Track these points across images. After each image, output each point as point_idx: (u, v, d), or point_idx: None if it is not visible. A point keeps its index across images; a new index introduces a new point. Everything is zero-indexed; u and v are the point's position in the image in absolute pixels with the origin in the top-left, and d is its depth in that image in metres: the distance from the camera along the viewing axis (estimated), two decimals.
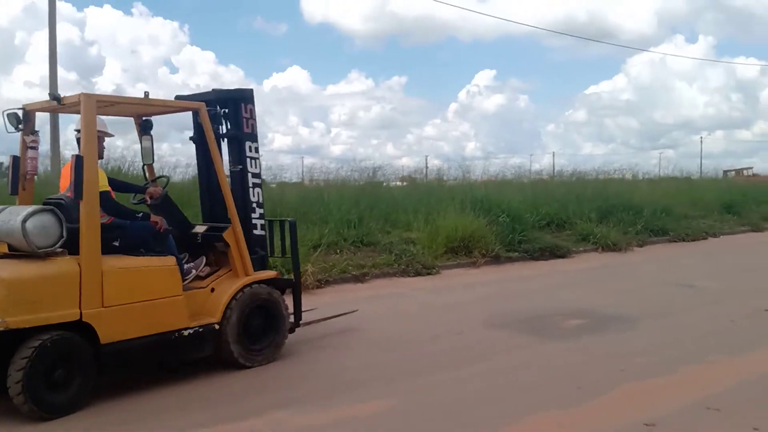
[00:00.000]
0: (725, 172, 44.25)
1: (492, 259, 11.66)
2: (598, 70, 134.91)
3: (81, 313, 4.45)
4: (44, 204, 4.78)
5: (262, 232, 6.02)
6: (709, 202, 18.51)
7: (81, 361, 4.47)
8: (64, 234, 4.51)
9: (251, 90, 5.97)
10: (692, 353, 5.81)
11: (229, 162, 6.00)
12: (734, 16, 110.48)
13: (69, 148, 11.90)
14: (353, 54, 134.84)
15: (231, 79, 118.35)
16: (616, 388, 4.92)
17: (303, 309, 6.17)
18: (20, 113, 5.14)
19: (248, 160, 5.88)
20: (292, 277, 6.25)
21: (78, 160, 4.52)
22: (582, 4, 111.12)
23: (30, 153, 5.21)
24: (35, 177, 5.44)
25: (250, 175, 5.88)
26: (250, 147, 5.90)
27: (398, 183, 19.71)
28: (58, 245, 4.50)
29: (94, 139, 4.70)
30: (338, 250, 10.75)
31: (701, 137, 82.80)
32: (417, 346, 6.26)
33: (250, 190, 5.88)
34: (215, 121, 5.77)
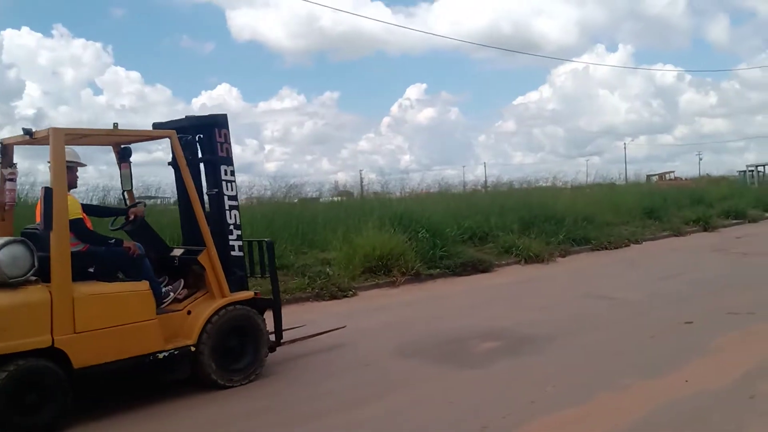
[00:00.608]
0: (648, 176, 45.67)
1: (412, 277, 11.20)
2: (524, 81, 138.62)
3: (53, 339, 4.59)
4: (21, 234, 5.07)
5: (240, 253, 6.09)
6: (632, 207, 18.69)
7: (53, 387, 4.59)
8: (36, 263, 4.68)
9: (225, 115, 6.10)
10: (606, 376, 5.45)
11: (206, 185, 6.11)
12: (651, 25, 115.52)
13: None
14: (283, 71, 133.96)
15: (158, 98, 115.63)
16: (524, 425, 4.48)
17: (290, 327, 6.43)
18: None
19: (224, 183, 5.99)
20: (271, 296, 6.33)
21: (47, 192, 4.75)
22: (505, 16, 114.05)
23: (8, 185, 5.40)
24: (13, 208, 5.59)
25: (226, 197, 5.99)
26: (225, 170, 6.00)
27: (336, 198, 19.27)
28: (29, 274, 4.66)
29: (62, 171, 4.87)
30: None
31: (624, 143, 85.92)
32: (314, 385, 5.67)
33: (227, 212, 5.98)
34: (190, 147, 5.94)
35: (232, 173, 6.06)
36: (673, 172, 45.43)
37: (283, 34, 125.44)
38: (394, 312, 8.87)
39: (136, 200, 6.28)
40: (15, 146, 5.53)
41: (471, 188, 24.20)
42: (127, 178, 6.11)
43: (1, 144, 5.46)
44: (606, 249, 14.74)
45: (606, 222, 16.75)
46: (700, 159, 68.00)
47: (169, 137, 5.62)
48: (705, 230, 18.23)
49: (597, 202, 18.67)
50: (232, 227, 5.99)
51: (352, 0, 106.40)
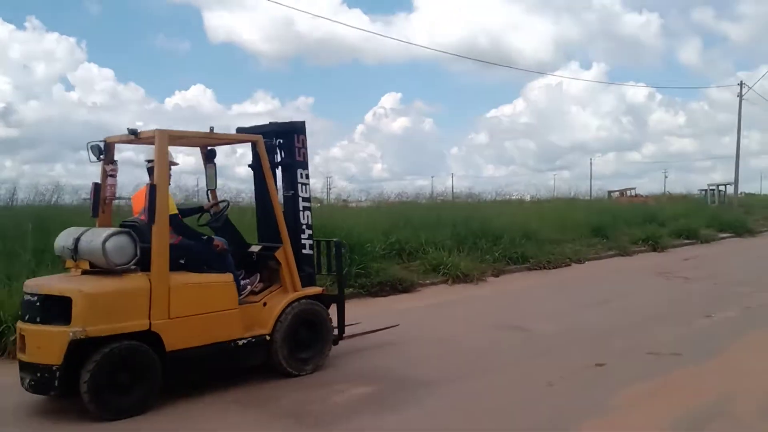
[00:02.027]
0: (610, 192, 45.41)
1: None
2: (498, 94, 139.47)
3: (150, 323, 4.96)
4: (120, 226, 5.44)
5: (310, 252, 6.49)
6: (579, 225, 17.71)
7: (147, 368, 4.94)
8: (138, 253, 5.03)
9: (303, 122, 6.49)
10: None
11: (283, 188, 6.47)
12: (624, 45, 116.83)
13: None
14: (259, 73, 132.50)
15: (131, 96, 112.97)
16: None
17: (346, 323, 6.69)
18: (101, 145, 5.71)
19: (299, 185, 6.39)
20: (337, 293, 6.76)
21: (152, 189, 5.08)
22: (482, 30, 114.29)
23: (109, 180, 5.77)
24: (113, 202, 6.01)
25: (300, 199, 6.39)
26: (301, 174, 6.41)
27: None
28: (132, 263, 5.02)
29: (165, 170, 5.28)
30: None
31: (591, 159, 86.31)
32: None
33: (300, 213, 6.37)
34: (271, 151, 6.26)
35: (307, 177, 6.47)
36: (634, 188, 44.99)
37: (260, 36, 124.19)
38: None
39: (220, 200, 6.62)
40: (117, 144, 5.88)
41: (440, 199, 23.43)
42: (212, 177, 6.44)
43: (104, 142, 5.77)
44: (544, 269, 13.69)
45: (549, 239, 15.73)
46: (666, 177, 68.50)
47: (256, 142, 6.02)
48: (654, 250, 17.34)
49: (544, 218, 17.70)
50: (304, 227, 6.39)
51: (330, 6, 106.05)
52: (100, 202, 5.82)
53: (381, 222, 13.52)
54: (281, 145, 6.44)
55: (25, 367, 4.93)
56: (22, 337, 4.95)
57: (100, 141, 5.77)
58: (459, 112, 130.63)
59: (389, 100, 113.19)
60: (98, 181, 5.83)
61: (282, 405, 5.27)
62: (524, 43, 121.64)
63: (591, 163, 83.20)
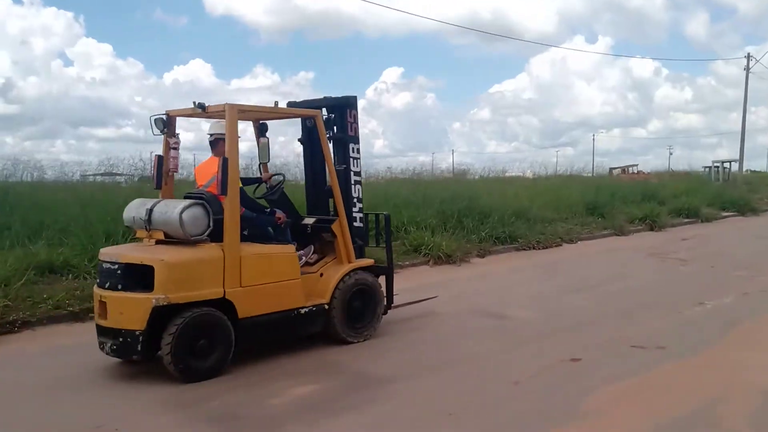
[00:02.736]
0: (611, 169, 44.62)
1: None
2: (502, 69, 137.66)
3: (224, 291, 5.19)
4: (185, 198, 5.50)
5: (361, 224, 6.60)
6: (574, 203, 17.02)
7: (222, 333, 5.18)
8: (211, 224, 5.22)
9: (355, 97, 6.58)
10: None
11: (335, 162, 6.40)
12: (630, 18, 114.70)
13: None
14: (258, 48, 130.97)
15: (130, 72, 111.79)
16: None
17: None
18: (164, 118, 5.81)
19: (351, 160, 6.48)
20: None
21: (224, 161, 5.22)
22: (485, 4, 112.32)
23: (172, 153, 5.88)
24: (175, 174, 6.11)
25: (352, 173, 6.48)
26: (353, 148, 6.49)
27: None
28: (205, 234, 5.22)
29: (236, 143, 5.36)
30: (80, 275, 8.25)
31: (593, 135, 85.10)
32: None
33: (352, 186, 6.47)
34: (327, 125, 6.35)
35: (358, 151, 6.54)
36: (636, 165, 44.17)
37: (259, 10, 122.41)
38: None
39: (274, 174, 6.71)
40: (179, 118, 6.00)
41: (443, 176, 22.78)
42: (264, 151, 6.28)
43: (167, 115, 5.87)
44: (533, 249, 13.01)
45: (542, 218, 15.08)
46: (671, 153, 67.34)
47: (315, 117, 6.12)
48: (651, 229, 16.63)
49: (539, 195, 17.04)
50: (355, 200, 6.51)
51: None
52: (163, 175, 5.96)
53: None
54: (333, 120, 6.51)
55: (105, 332, 5.14)
56: (103, 303, 5.14)
57: (163, 114, 5.89)
58: (461, 87, 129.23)
59: (391, 74, 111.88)
60: (161, 153, 6.01)
61: (212, 408, 4.68)
62: (528, 16, 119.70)
63: (593, 140, 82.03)
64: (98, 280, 5.36)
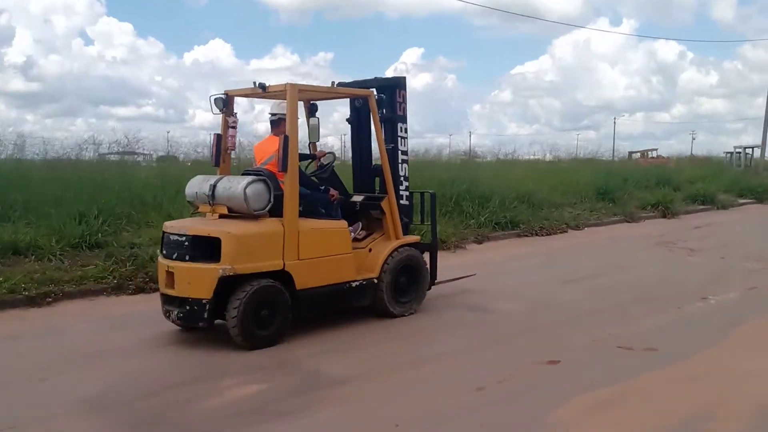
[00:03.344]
0: (630, 153, 43.59)
1: None
2: (524, 50, 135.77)
3: (284, 263, 5.41)
4: (243, 175, 5.77)
5: (407, 202, 6.75)
6: (583, 187, 16.33)
7: (282, 303, 5.41)
8: (272, 199, 5.44)
9: (404, 78, 6.73)
10: None
11: (384, 141, 6.49)
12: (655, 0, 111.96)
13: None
14: (278, 28, 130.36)
15: (150, 51, 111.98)
16: None
17: None
18: (224, 98, 6.04)
19: (399, 139, 6.63)
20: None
21: (285, 140, 5.42)
22: None
23: (230, 132, 6.11)
24: (233, 152, 6.47)
25: (400, 152, 6.64)
26: (401, 128, 6.65)
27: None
28: (266, 209, 5.44)
29: (296, 122, 5.63)
30: (45, 257, 7.85)
31: (615, 119, 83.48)
32: None
33: (399, 165, 6.61)
34: (379, 105, 6.43)
35: (406, 131, 6.71)
36: (656, 149, 43.01)
37: None
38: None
39: (327, 152, 6.78)
40: (238, 98, 6.23)
41: (461, 159, 22.13)
42: (314, 130, 6.51)
43: (226, 95, 6.05)
44: (536, 235, 12.41)
45: (549, 203, 14.47)
46: (693, 139, 66.04)
47: (368, 96, 6.29)
48: (664, 216, 15.89)
49: (548, 178, 16.39)
50: (402, 179, 6.66)
51: None
52: (221, 152, 6.16)
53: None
54: (383, 100, 6.59)
55: (172, 300, 5.41)
56: (170, 273, 5.37)
57: (222, 94, 6.06)
58: (483, 68, 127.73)
59: (411, 55, 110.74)
60: (219, 132, 6.18)
61: (141, 408, 4.22)
62: None
63: (615, 123, 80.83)
64: (164, 252, 5.61)
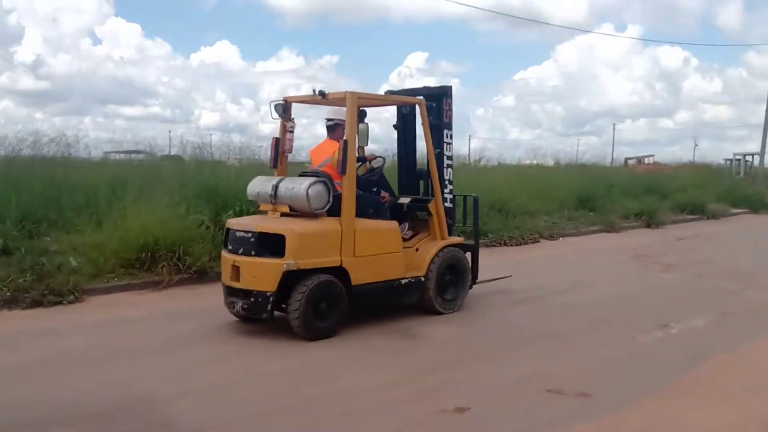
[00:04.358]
0: (627, 159, 42.64)
1: (194, 276, 8.08)
2: (527, 55, 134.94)
3: (341, 260, 5.73)
4: (300, 176, 6.04)
5: (451, 205, 7.08)
6: (564, 194, 15.45)
7: (339, 298, 5.72)
8: (331, 200, 5.75)
9: (451, 87, 7.10)
10: None
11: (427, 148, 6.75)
12: (660, 6, 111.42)
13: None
14: (284, 31, 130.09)
15: (157, 52, 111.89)
16: None
17: None
18: (283, 103, 6.40)
19: (445, 145, 6.97)
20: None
21: (345, 144, 5.75)
22: None
23: (288, 136, 6.50)
24: (289, 155, 6.72)
25: (445, 157, 6.98)
26: (447, 134, 7.00)
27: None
28: (326, 208, 5.75)
29: (354, 127, 5.91)
30: None
31: (614, 125, 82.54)
32: None
33: (445, 170, 6.95)
34: (429, 112, 6.66)
35: (451, 137, 6.99)
36: (652, 156, 42.08)
37: None
38: (68, 341, 5.75)
39: (377, 156, 7.02)
40: (297, 104, 6.61)
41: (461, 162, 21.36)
42: (364, 135, 6.70)
43: (285, 101, 6.39)
44: (505, 245, 11.56)
45: (525, 211, 13.60)
46: (696, 145, 65.32)
47: (419, 104, 6.60)
48: (648, 226, 15.02)
49: (528, 184, 15.47)
50: (447, 182, 6.93)
51: None
52: (279, 155, 6.49)
53: None
54: (432, 108, 6.76)
55: (236, 293, 5.73)
56: (236, 267, 5.67)
57: (281, 100, 6.39)
58: (486, 73, 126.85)
59: (415, 59, 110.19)
60: (277, 136, 6.51)
61: None
62: (556, 3, 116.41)
63: (614, 129, 79.89)
64: (229, 247, 5.93)
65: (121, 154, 14.60)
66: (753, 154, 35.96)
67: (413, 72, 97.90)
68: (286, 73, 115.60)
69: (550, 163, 25.55)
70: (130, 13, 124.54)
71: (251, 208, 9.37)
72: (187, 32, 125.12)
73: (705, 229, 15.09)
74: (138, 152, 14.30)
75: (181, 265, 8.01)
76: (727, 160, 38.18)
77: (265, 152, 12.70)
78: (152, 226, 8.08)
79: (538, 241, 12.19)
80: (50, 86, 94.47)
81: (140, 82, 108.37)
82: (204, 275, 8.13)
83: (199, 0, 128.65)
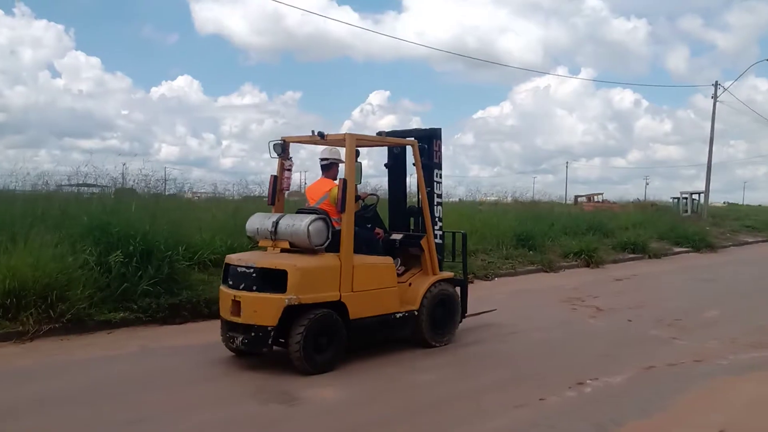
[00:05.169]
0: (577, 197, 42.89)
1: (69, 325, 7.13)
2: (486, 95, 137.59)
3: (340, 294, 5.86)
4: (297, 213, 6.30)
5: (440, 241, 7.29)
6: (503, 233, 14.90)
7: (337, 331, 5.84)
8: (330, 236, 5.92)
9: (440, 129, 7.42)
10: None
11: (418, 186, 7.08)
12: (612, 50, 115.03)
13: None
14: (247, 67, 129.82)
15: (118, 85, 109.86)
16: None
17: None
18: (282, 143, 6.62)
19: (435, 184, 7.23)
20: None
21: (344, 183, 5.95)
22: (471, 32, 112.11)
23: (286, 174, 6.73)
24: (286, 192, 6.95)
25: (435, 195, 7.23)
26: (437, 174, 7.27)
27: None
28: (325, 245, 5.90)
29: (353, 167, 6.13)
30: None
31: (567, 163, 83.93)
32: None
33: (435, 207, 7.17)
34: (422, 153, 6.92)
35: (441, 176, 7.34)
36: (601, 194, 42.29)
37: (249, 30, 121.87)
38: None
39: (370, 193, 7.62)
40: (294, 144, 6.89)
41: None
42: (357, 173, 6.65)
43: (283, 140, 6.67)
44: None
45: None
46: (647, 184, 66.77)
47: (412, 145, 6.89)
48: (587, 265, 14.58)
49: (467, 221, 14.85)
50: (437, 219, 7.24)
51: (320, 2, 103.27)
52: (277, 192, 6.68)
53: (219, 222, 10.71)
54: (422, 149, 6.97)
55: (237, 327, 5.78)
56: (237, 302, 5.72)
57: (279, 140, 6.60)
58: (446, 111, 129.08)
59: (377, 97, 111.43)
60: (275, 174, 6.72)
61: None
62: (513, 46, 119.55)
63: (567, 168, 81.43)
64: (229, 282, 5.96)
65: (74, 187, 13.86)
66: (699, 193, 36.51)
67: (375, 109, 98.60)
68: (249, 107, 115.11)
69: (509, 200, 25.45)
70: (90, 47, 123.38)
71: (142, 247, 8.63)
72: (149, 66, 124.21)
73: (644, 269, 14.69)
74: (90, 185, 13.74)
75: (52, 313, 7.07)
76: (674, 198, 38.69)
77: (225, 186, 14.48)
78: (21, 267, 7.14)
79: (472, 282, 11.41)
80: (6, 118, 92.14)
81: (99, 115, 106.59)
82: (81, 324, 7.22)
83: (162, 35, 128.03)
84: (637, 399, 5.27)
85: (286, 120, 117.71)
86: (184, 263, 8.68)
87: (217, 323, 7.82)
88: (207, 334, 7.29)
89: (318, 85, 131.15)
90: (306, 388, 5.36)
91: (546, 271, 13.53)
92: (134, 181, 12.50)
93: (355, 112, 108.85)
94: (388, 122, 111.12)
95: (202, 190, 16.89)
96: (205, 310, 8.07)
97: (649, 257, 16.88)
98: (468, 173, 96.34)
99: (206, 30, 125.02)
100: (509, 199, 25.15)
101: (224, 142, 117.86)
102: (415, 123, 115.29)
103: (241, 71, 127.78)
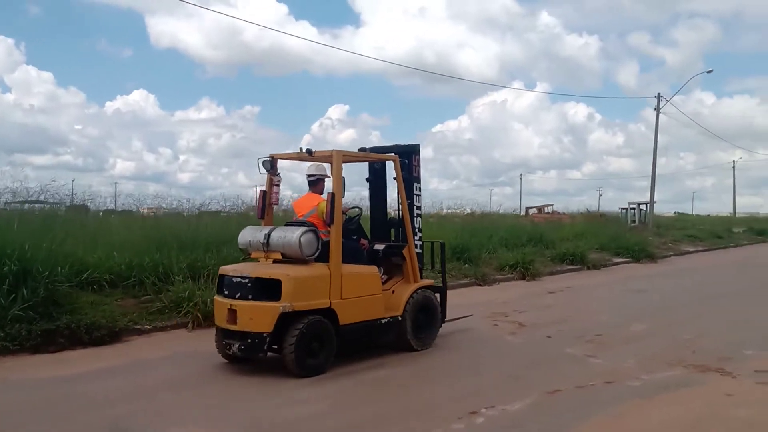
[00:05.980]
0: (527, 209, 42.93)
1: None
2: (444, 109, 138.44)
3: (330, 302, 6.21)
4: (286, 226, 6.63)
5: (420, 251, 7.70)
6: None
7: (328, 337, 6.18)
8: (320, 247, 6.27)
9: (418, 145, 7.91)
10: None
11: (399, 198, 7.47)
12: (565, 65, 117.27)
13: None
14: (204, 81, 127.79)
15: (71, 100, 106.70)
16: None
17: None
18: (270, 160, 6.92)
19: (415, 196, 7.63)
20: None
21: (332, 197, 6.31)
22: (428, 46, 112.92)
23: (275, 189, 7.02)
24: (274, 207, 7.28)
25: (415, 207, 7.63)
26: (416, 187, 7.70)
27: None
28: (315, 255, 6.26)
29: (340, 181, 6.48)
30: None
31: (521, 175, 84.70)
32: None
33: (414, 218, 7.56)
34: (403, 168, 7.35)
35: (420, 189, 7.80)
36: (551, 205, 42.37)
37: (205, 44, 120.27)
38: None
39: (353, 206, 8.10)
40: (282, 160, 7.19)
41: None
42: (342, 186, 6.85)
43: (272, 157, 6.94)
44: None
45: None
46: (600, 195, 67.89)
47: (394, 161, 7.29)
48: (523, 278, 14.19)
49: None
50: (417, 230, 7.61)
51: (277, 17, 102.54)
52: (266, 207, 7.04)
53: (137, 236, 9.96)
54: (403, 164, 7.34)
55: (233, 335, 6.10)
56: (233, 311, 6.06)
57: (267, 157, 6.93)
58: (405, 125, 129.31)
59: (336, 111, 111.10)
60: (264, 189, 7.09)
61: None
62: (470, 61, 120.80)
63: (521, 180, 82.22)
64: (225, 292, 6.25)
65: (20, 204, 12.95)
66: (645, 203, 36.88)
67: (335, 123, 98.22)
68: (206, 122, 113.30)
69: (467, 212, 25.09)
70: (42, 61, 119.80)
71: (16, 267, 7.82)
72: (103, 81, 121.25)
73: (580, 281, 14.36)
74: (40, 202, 13.04)
75: None
76: (622, 208, 39.00)
77: (184, 201, 14.46)
78: None
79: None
80: None
81: (52, 131, 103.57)
82: None
83: (117, 49, 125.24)
84: (532, 430, 4.73)
85: (244, 134, 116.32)
86: (66, 285, 7.88)
87: (100, 350, 7.26)
88: (81, 363, 6.58)
89: (276, 100, 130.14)
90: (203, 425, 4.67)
91: (480, 285, 13.09)
92: (87, 197, 11.88)
93: (315, 127, 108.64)
94: (347, 136, 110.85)
95: (154, 206, 15.96)
96: (86, 337, 7.30)
97: (588, 268, 16.62)
98: (428, 186, 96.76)
99: (162, 44, 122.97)
100: (468, 210, 25.00)
101: (181, 157, 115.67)
102: (375, 137, 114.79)
103: (198, 85, 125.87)
